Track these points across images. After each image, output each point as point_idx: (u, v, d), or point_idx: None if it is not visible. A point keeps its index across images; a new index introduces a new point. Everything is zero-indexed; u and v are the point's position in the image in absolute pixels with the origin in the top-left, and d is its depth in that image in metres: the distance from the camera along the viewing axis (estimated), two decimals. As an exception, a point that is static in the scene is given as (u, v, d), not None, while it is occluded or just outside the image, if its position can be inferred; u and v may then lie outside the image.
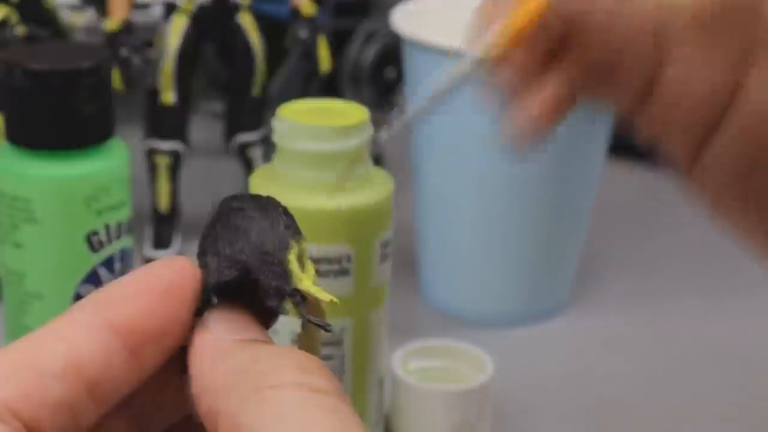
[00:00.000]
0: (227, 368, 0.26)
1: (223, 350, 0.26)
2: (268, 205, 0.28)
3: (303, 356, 0.26)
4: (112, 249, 0.55)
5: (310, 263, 0.28)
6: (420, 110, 0.48)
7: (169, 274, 0.27)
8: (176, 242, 0.74)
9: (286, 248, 0.28)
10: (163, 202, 0.75)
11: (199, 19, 0.74)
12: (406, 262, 0.74)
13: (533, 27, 0.45)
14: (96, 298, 0.26)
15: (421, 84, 0.48)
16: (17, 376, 0.25)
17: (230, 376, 0.25)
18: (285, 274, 0.27)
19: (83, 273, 0.55)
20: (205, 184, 0.85)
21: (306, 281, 0.28)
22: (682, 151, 0.44)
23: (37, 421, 0.25)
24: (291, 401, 0.24)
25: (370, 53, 0.92)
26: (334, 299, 0.28)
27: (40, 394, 0.25)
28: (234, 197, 0.29)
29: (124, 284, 0.27)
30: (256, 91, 0.76)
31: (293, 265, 0.28)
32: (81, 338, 0.26)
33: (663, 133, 0.45)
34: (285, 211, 0.28)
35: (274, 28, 0.82)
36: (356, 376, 0.52)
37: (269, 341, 0.27)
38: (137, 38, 0.72)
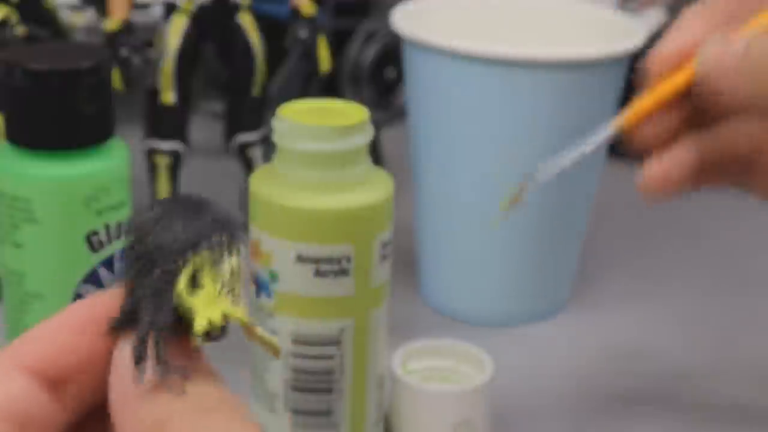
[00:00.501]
0: (135, 425, 0.26)
1: (130, 401, 0.27)
2: (169, 217, 0.28)
3: (198, 388, 0.26)
4: (112, 249, 0.55)
5: (209, 278, 0.27)
6: (560, 169, 0.55)
7: (86, 311, 0.28)
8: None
9: (172, 277, 0.27)
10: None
11: (199, 19, 0.74)
12: (406, 262, 0.75)
13: (675, 98, 0.51)
14: (13, 343, 0.27)
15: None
16: None
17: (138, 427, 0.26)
18: (163, 306, 0.27)
19: (83, 273, 0.55)
20: (205, 184, 0.85)
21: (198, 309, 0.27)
22: None
23: None
24: None
25: (370, 53, 0.92)
26: (197, 338, 0.27)
27: None
28: (157, 205, 0.28)
29: (40, 327, 0.27)
30: (256, 91, 0.76)
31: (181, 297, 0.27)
32: (2, 384, 0.27)
33: None
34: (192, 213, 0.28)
35: (274, 28, 0.82)
36: (356, 376, 0.52)
37: (173, 365, 0.27)
38: (137, 38, 0.73)
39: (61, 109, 0.53)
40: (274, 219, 0.50)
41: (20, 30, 0.71)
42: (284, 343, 0.51)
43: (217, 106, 0.93)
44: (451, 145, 0.66)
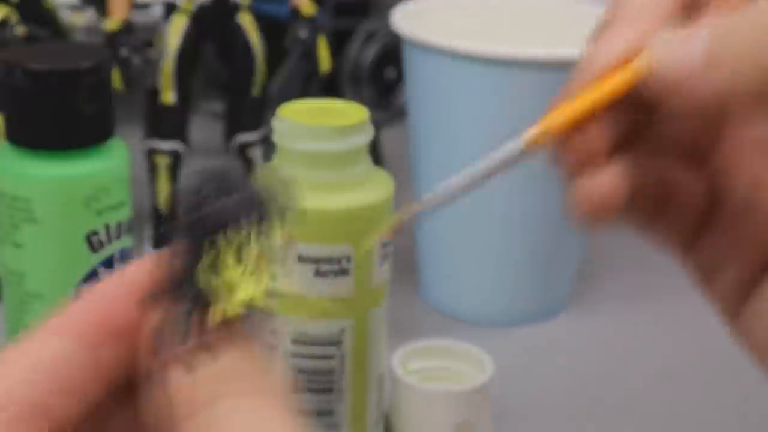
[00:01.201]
0: (164, 397, 0.27)
1: (165, 369, 0.28)
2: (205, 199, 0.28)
3: (225, 361, 0.27)
4: (112, 249, 0.55)
5: (227, 264, 0.27)
6: (456, 190, 0.45)
7: (126, 280, 0.29)
8: (176, 242, 0.74)
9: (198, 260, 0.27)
10: (163, 202, 0.75)
11: (199, 19, 0.74)
12: (406, 262, 0.75)
13: (612, 105, 0.42)
14: (62, 309, 0.29)
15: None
16: None
17: (164, 409, 0.27)
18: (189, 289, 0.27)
19: (83, 273, 0.55)
20: (205, 184, 0.85)
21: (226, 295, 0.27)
22: (731, 286, 0.39)
23: (16, 422, 0.27)
24: (214, 421, 0.26)
25: (370, 53, 0.92)
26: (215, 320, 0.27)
27: (10, 399, 0.28)
28: (204, 182, 0.28)
29: (84, 294, 0.29)
30: (256, 91, 0.76)
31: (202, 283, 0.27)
32: (39, 348, 0.29)
33: (714, 262, 0.40)
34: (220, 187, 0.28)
35: (274, 28, 0.82)
36: (356, 375, 0.52)
37: (211, 344, 0.28)
38: (137, 38, 0.72)
39: (61, 109, 0.53)
40: (274, 219, 0.50)
41: (20, 30, 0.71)
42: (284, 343, 0.51)
43: (217, 106, 0.93)
44: (451, 145, 0.66)
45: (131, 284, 0.29)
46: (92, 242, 0.55)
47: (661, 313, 0.72)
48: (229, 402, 0.26)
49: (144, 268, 0.29)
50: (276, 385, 0.27)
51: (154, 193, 0.75)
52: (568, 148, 0.42)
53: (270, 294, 0.28)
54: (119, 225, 0.55)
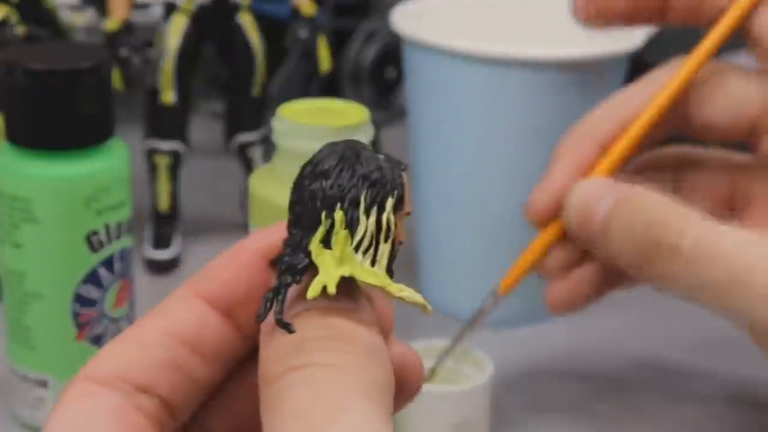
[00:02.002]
0: (261, 358, 0.28)
1: (264, 336, 0.28)
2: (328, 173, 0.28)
3: (307, 331, 0.27)
4: (112, 249, 0.55)
5: (340, 238, 0.27)
6: (447, 348, 0.56)
7: (253, 247, 0.30)
8: (176, 242, 0.74)
9: (314, 228, 0.28)
10: (163, 202, 0.75)
11: (199, 19, 0.74)
12: (406, 262, 0.74)
13: (554, 245, 0.54)
14: (193, 276, 0.30)
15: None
16: (122, 350, 0.29)
17: (260, 367, 0.28)
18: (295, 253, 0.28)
19: (83, 273, 0.55)
20: (205, 184, 0.85)
21: (325, 264, 0.27)
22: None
23: (146, 382, 0.28)
24: (282, 391, 0.26)
25: (370, 53, 0.92)
26: (330, 288, 0.27)
27: (143, 360, 0.28)
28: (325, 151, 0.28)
29: (213, 261, 0.30)
30: (256, 91, 0.76)
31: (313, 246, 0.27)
32: (175, 310, 0.29)
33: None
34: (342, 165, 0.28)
35: (274, 28, 0.82)
36: (356, 376, 0.52)
37: (327, 306, 0.28)
38: (137, 38, 0.72)
39: (61, 109, 0.53)
40: (274, 219, 0.50)
41: (20, 30, 0.71)
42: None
43: (217, 106, 0.92)
44: (451, 145, 0.66)
45: (258, 248, 0.30)
46: (92, 242, 0.55)
47: (661, 312, 0.72)
48: (305, 372, 0.26)
49: (272, 234, 0.30)
50: (361, 363, 0.27)
51: (154, 193, 0.75)
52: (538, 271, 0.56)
53: (372, 274, 0.28)
54: (119, 225, 0.55)
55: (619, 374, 0.65)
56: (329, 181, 0.27)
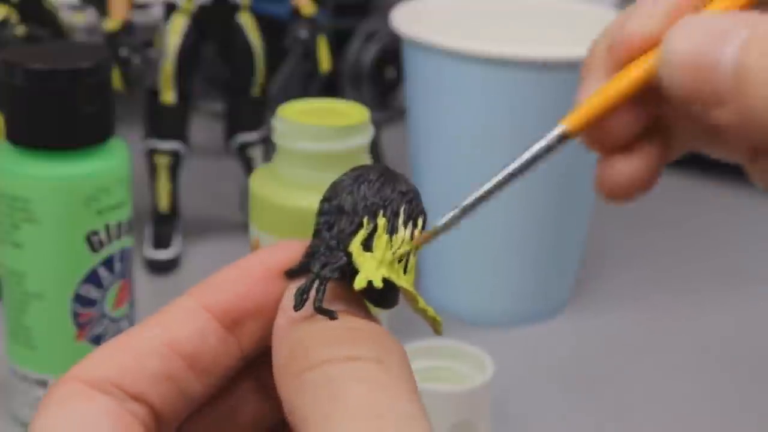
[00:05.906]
0: (283, 352, 0.28)
1: (282, 332, 0.28)
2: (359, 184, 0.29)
3: (345, 325, 0.28)
4: (112, 249, 0.55)
5: (382, 242, 0.29)
6: (490, 190, 0.43)
7: (263, 261, 0.30)
8: (176, 242, 0.74)
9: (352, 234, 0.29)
10: (163, 202, 0.75)
11: (199, 19, 0.74)
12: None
13: (636, 96, 0.35)
14: (197, 287, 0.30)
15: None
16: (117, 356, 0.28)
17: (283, 360, 0.28)
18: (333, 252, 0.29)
19: (83, 273, 0.55)
20: (205, 184, 0.85)
21: (366, 264, 0.28)
22: None
23: (139, 391, 0.28)
24: (321, 382, 0.26)
25: (370, 53, 0.92)
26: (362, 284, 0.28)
27: (137, 369, 0.28)
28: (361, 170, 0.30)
29: (221, 274, 0.30)
30: (256, 91, 0.76)
31: (354, 247, 0.29)
32: (176, 321, 0.29)
33: None
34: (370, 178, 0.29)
35: (274, 28, 0.82)
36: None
37: (346, 310, 0.29)
38: (137, 38, 0.73)
39: (61, 109, 0.53)
40: (274, 219, 0.50)
41: (20, 30, 0.71)
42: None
43: (217, 106, 0.93)
44: (451, 144, 0.66)
45: (271, 263, 0.30)
46: (92, 242, 0.55)
47: (661, 312, 0.72)
48: (353, 364, 0.26)
49: (283, 250, 0.30)
50: (400, 361, 0.28)
51: (154, 193, 0.75)
52: (594, 138, 0.38)
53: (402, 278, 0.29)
54: (119, 225, 0.55)
55: (619, 374, 0.65)
56: (372, 191, 0.29)
